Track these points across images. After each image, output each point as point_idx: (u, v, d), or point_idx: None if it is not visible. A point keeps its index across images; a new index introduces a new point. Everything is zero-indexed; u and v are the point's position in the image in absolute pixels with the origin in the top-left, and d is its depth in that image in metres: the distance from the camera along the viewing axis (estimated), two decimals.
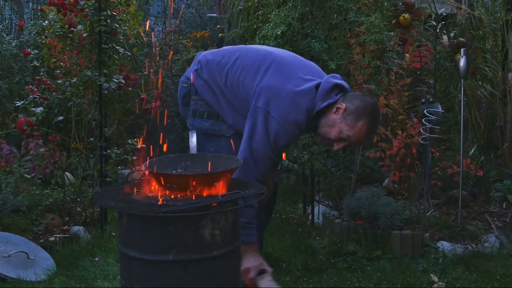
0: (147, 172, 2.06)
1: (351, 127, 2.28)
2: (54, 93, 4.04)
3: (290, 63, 2.39)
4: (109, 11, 3.76)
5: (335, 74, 2.46)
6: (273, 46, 3.63)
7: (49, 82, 4.03)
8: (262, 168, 2.27)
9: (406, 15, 4.71)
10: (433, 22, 4.37)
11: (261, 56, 2.39)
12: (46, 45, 4.34)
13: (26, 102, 3.86)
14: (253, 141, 2.28)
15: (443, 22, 4.38)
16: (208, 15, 8.56)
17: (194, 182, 1.94)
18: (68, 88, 3.91)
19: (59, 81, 4.02)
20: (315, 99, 2.30)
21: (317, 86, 2.32)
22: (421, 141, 3.41)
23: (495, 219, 3.77)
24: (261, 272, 2.24)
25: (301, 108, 2.27)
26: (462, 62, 3.64)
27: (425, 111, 3.42)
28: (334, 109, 2.31)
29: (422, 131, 3.38)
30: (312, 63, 2.55)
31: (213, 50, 2.61)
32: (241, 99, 2.38)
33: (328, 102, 2.30)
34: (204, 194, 1.93)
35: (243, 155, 2.28)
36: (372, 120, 2.31)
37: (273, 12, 3.86)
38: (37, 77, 4.15)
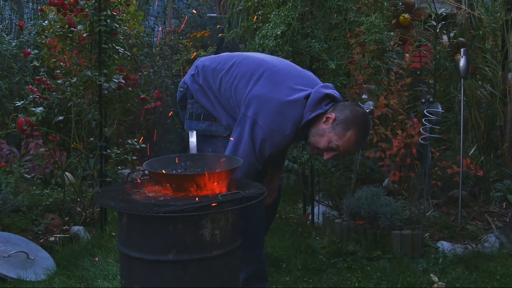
0: (147, 172, 2.06)
1: (340, 136, 2.29)
2: (54, 93, 4.04)
3: (282, 72, 2.39)
4: (109, 11, 3.76)
5: (328, 84, 2.47)
6: (273, 46, 3.64)
7: (49, 82, 4.03)
8: (244, 176, 2.27)
9: (406, 15, 4.71)
10: (433, 22, 4.36)
11: (255, 65, 2.41)
12: (46, 45, 4.34)
13: (26, 102, 3.86)
14: (239, 149, 2.29)
15: (443, 22, 4.38)
16: (208, 15, 8.56)
17: (194, 182, 1.94)
18: (68, 88, 3.91)
19: (59, 81, 4.02)
20: (303, 110, 2.31)
21: (307, 97, 2.33)
22: (421, 141, 3.41)
23: (495, 219, 3.77)
24: None
25: (289, 118, 2.29)
26: (462, 62, 3.64)
27: (425, 111, 3.42)
28: (324, 119, 2.32)
29: (422, 131, 3.38)
30: (307, 72, 2.56)
31: (211, 56, 2.64)
32: (233, 105, 2.41)
33: (318, 113, 2.31)
34: (204, 194, 1.93)
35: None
36: (361, 130, 2.32)
37: (273, 12, 3.86)
38: (37, 77, 4.15)
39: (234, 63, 2.44)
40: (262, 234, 2.57)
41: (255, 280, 2.53)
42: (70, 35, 3.84)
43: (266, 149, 2.29)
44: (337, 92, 2.44)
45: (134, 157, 4.11)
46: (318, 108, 2.31)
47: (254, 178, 2.29)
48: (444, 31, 4.61)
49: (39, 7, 5.76)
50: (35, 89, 3.96)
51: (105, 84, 3.71)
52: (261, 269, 2.56)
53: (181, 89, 2.58)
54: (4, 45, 5.45)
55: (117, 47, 3.89)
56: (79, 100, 3.93)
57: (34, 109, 3.70)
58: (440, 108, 3.48)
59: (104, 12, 3.72)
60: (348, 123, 2.29)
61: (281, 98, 2.29)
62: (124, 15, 4.65)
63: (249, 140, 2.28)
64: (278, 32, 3.65)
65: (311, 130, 2.34)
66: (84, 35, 3.77)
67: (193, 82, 2.51)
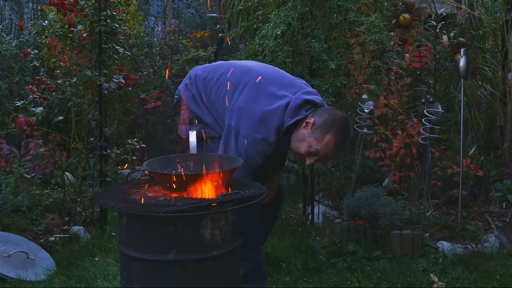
0: (147, 172, 2.06)
1: (319, 140, 2.31)
2: (54, 93, 4.05)
3: (267, 80, 2.42)
4: (109, 11, 3.76)
5: (311, 90, 2.50)
6: (273, 46, 3.65)
7: (49, 82, 4.03)
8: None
9: (406, 15, 4.71)
10: (433, 22, 4.36)
11: (241, 74, 2.46)
12: (46, 45, 4.34)
13: (26, 102, 3.86)
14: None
15: (443, 22, 4.37)
16: (208, 15, 8.56)
17: (194, 182, 1.94)
18: (68, 88, 3.91)
19: (59, 81, 4.02)
20: (283, 117, 2.34)
21: (289, 104, 2.36)
22: (421, 141, 3.40)
23: (495, 219, 3.77)
24: None
25: (270, 126, 2.32)
26: (462, 62, 3.64)
27: (425, 111, 3.42)
28: (304, 124, 2.34)
29: (422, 131, 3.38)
30: (294, 79, 2.58)
31: (205, 65, 2.72)
32: (220, 114, 2.46)
33: (297, 119, 2.34)
34: (204, 194, 1.93)
35: None
36: (340, 134, 2.33)
37: (273, 12, 3.86)
38: (37, 77, 4.15)
39: (223, 73, 2.50)
40: (259, 232, 2.58)
41: (253, 278, 2.53)
42: (70, 35, 3.84)
43: (252, 159, 2.33)
44: (319, 98, 2.47)
45: (134, 157, 4.12)
46: (298, 114, 2.35)
47: (255, 179, 2.30)
48: (444, 31, 4.61)
49: (39, 7, 5.75)
50: (35, 89, 3.96)
51: (105, 84, 3.71)
52: (259, 267, 2.57)
53: (176, 96, 2.67)
54: (4, 45, 5.45)
55: (117, 47, 3.89)
56: (79, 100, 3.93)
57: (34, 109, 3.70)
58: (440, 108, 3.48)
59: (104, 12, 3.72)
60: (326, 127, 2.31)
61: (262, 108, 2.33)
62: (124, 15, 4.65)
63: (235, 150, 2.33)
64: (278, 32, 3.65)
65: (292, 136, 2.37)
66: (84, 35, 3.77)
67: (186, 90, 2.59)
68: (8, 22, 7.21)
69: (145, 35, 6.06)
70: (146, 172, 2.14)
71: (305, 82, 2.59)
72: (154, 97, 4.50)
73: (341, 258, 3.29)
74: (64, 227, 3.72)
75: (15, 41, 5.79)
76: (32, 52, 4.21)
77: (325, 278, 3.08)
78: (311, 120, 2.33)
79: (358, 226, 3.49)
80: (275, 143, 2.35)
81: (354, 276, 3.09)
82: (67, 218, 3.87)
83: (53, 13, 4.07)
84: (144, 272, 1.89)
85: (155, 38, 7.41)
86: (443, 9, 4.62)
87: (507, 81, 4.40)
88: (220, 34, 6.72)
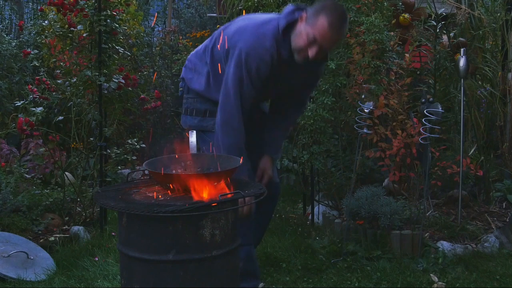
0: (147, 172, 2.06)
1: (313, 26, 2.35)
2: (54, 93, 4.05)
3: (256, 14, 2.61)
4: (109, 11, 3.76)
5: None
6: None
7: (49, 82, 4.03)
8: (238, 100, 2.41)
9: (406, 15, 4.70)
10: (433, 22, 4.36)
11: (230, 22, 2.62)
12: (46, 45, 4.34)
13: (26, 102, 3.86)
14: (229, 76, 2.41)
15: (443, 22, 4.37)
16: (208, 15, 8.57)
17: (194, 182, 1.95)
18: (68, 88, 3.91)
19: (59, 81, 4.02)
20: (278, 24, 2.42)
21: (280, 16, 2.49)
22: (421, 141, 3.40)
23: (495, 219, 3.77)
24: None
25: (266, 34, 2.41)
26: (462, 62, 3.64)
27: (425, 111, 3.42)
28: (299, 21, 2.41)
29: (422, 131, 3.38)
30: None
31: None
32: (222, 61, 2.53)
33: (292, 19, 2.41)
34: (204, 194, 1.94)
35: (222, 90, 2.43)
36: (331, 14, 2.35)
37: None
38: (37, 77, 4.15)
39: (215, 33, 2.62)
40: (250, 231, 2.57)
41: (244, 278, 2.52)
42: (70, 35, 3.85)
43: (252, 67, 2.39)
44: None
45: (134, 157, 4.12)
46: (291, 16, 2.43)
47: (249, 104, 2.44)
48: (444, 31, 4.60)
49: (39, 7, 5.76)
50: (35, 89, 3.96)
51: (105, 84, 3.71)
52: (251, 267, 2.56)
53: (181, 89, 2.74)
54: (4, 45, 5.45)
55: (117, 47, 3.89)
56: (79, 100, 3.93)
57: (34, 109, 3.70)
58: (440, 108, 3.48)
59: (104, 12, 3.72)
60: (317, 12, 2.36)
61: (255, 22, 2.46)
62: (124, 15, 4.65)
63: (235, 65, 2.39)
64: None
65: (291, 38, 2.43)
66: (84, 35, 3.77)
67: (186, 72, 2.68)
68: (8, 22, 7.22)
69: (145, 35, 6.07)
70: (146, 172, 2.15)
71: None
72: (154, 97, 4.51)
73: (341, 258, 3.29)
74: (64, 227, 3.72)
75: (15, 41, 5.79)
76: (32, 52, 4.21)
77: (325, 278, 3.08)
78: (303, 14, 2.40)
79: (358, 226, 3.49)
80: (273, 49, 2.40)
81: (354, 276, 3.09)
82: (67, 218, 3.87)
83: (53, 13, 4.08)
84: (144, 272, 1.89)
85: (155, 38, 7.41)
86: (443, 9, 4.61)
87: (507, 81, 4.40)
88: None
